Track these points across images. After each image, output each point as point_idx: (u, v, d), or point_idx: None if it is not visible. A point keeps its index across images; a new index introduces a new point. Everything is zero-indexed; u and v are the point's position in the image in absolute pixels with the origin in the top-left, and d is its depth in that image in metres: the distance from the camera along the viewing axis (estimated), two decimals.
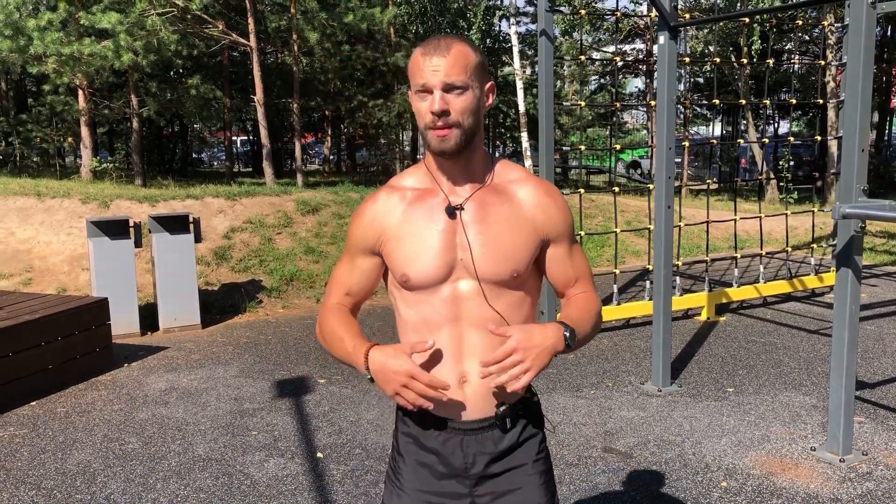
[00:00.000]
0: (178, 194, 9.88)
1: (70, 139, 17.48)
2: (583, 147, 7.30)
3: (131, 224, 7.08)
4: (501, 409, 1.79)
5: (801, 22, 13.58)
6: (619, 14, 6.43)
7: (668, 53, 5.06)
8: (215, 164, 33.62)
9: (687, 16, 6.87)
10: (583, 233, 6.98)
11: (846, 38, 4.11)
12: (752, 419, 4.76)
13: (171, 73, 16.34)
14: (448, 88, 1.66)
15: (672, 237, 5.45)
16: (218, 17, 13.23)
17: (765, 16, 12.65)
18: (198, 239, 7.34)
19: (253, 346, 6.64)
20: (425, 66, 1.66)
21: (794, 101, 7.49)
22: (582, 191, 7.49)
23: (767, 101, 6.95)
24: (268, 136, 13.36)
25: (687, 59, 7.39)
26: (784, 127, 29.25)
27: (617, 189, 7.47)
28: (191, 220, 7.30)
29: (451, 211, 1.76)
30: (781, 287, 7.93)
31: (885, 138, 22.84)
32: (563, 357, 6.16)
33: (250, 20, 12.63)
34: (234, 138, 27.73)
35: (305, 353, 6.41)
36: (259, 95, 12.75)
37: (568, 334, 1.69)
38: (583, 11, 6.87)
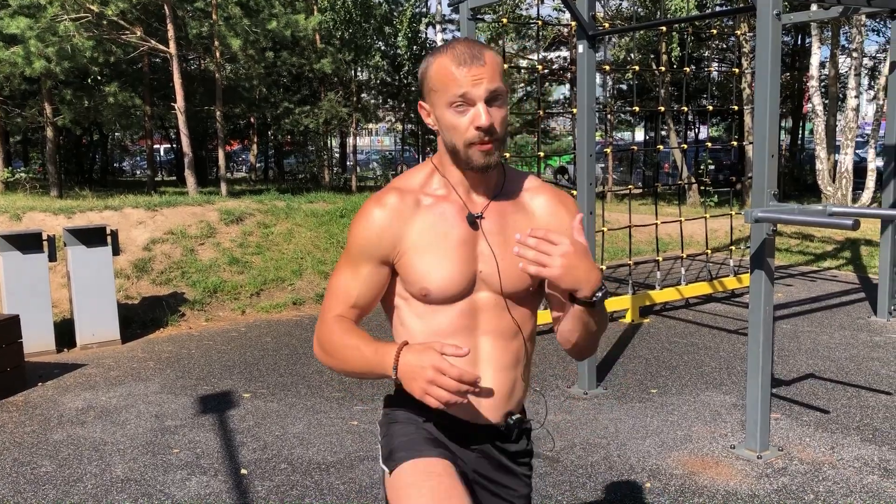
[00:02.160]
0: (96, 205, 9.56)
1: None
2: (507, 154, 7.36)
3: (45, 237, 6.81)
4: (513, 418, 1.77)
5: (716, 31, 14.03)
6: (540, 22, 6.51)
7: (588, 61, 5.14)
8: (138, 172, 32.73)
9: (607, 24, 6.99)
10: None
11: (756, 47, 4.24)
12: (675, 419, 4.86)
13: (88, 80, 15.83)
14: (491, 99, 1.57)
15: (595, 242, 5.53)
16: (136, 23, 12.88)
17: (683, 24, 13.03)
18: (116, 251, 7.11)
19: (175, 361, 6.46)
20: (463, 75, 1.55)
21: (711, 108, 7.71)
22: None
23: (686, 108, 7.15)
24: (189, 145, 13.05)
25: (607, 67, 7.53)
26: (704, 132, 30.18)
27: None
28: (108, 231, 7.06)
29: (473, 220, 1.67)
30: (702, 289, 8.15)
31: (799, 143, 23.76)
32: None
33: (170, 26, 12.31)
34: (156, 146, 27.01)
35: (230, 366, 6.26)
36: (179, 103, 12.44)
37: (601, 294, 1.56)
38: (505, 20, 6.91)
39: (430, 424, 1.75)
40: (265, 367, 6.20)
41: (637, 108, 7.29)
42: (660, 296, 7.76)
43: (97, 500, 3.93)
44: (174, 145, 29.31)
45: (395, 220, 1.65)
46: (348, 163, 25.34)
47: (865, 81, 23.00)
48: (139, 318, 7.68)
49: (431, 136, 23.97)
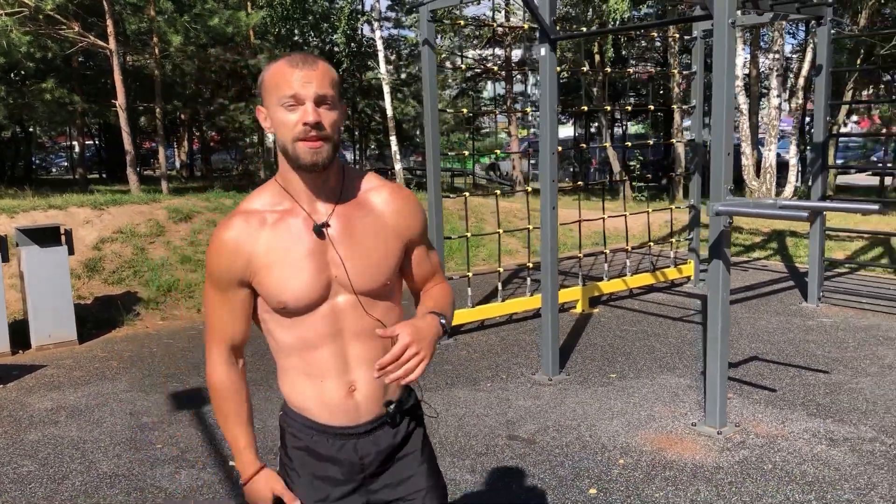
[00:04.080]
0: (39, 204, 9.35)
1: None
2: (466, 152, 7.59)
3: None
4: (391, 407, 1.87)
5: (655, 34, 14.54)
6: (494, 24, 6.74)
7: (549, 64, 5.40)
8: (54, 170, 31.73)
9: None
10: (469, 234, 7.27)
11: (706, 53, 4.56)
12: (637, 401, 5.17)
13: (13, 75, 15.29)
14: (320, 101, 1.67)
15: (557, 236, 5.81)
16: (73, 18, 12.56)
17: (619, 26, 13.48)
18: (71, 251, 7.03)
19: (138, 360, 6.45)
20: (294, 77, 1.65)
21: (652, 107, 8.10)
22: (467, 194, 7.81)
23: (630, 107, 7.52)
24: (131, 142, 12.81)
25: (558, 69, 7.82)
26: (631, 129, 31.09)
27: (499, 192, 7.83)
28: (62, 231, 6.98)
29: (319, 230, 1.76)
30: (646, 279, 8.56)
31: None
32: (458, 353, 6.40)
33: (109, 22, 12.07)
34: (75, 143, 26.21)
35: (195, 364, 6.30)
36: (121, 100, 12.19)
37: (444, 321, 1.79)
38: (462, 21, 7.13)
39: (315, 480, 1.90)
40: None
41: (585, 108, 7.60)
42: (608, 286, 8.12)
43: (88, 496, 3.98)
44: (96, 142, 28.53)
45: (244, 240, 1.75)
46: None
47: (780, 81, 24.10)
48: (93, 318, 7.60)
49: (366, 132, 24.04)
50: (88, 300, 7.89)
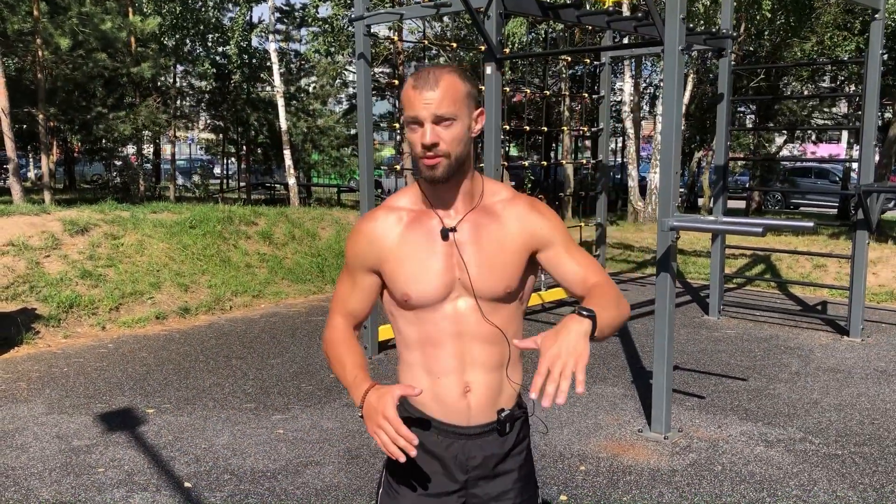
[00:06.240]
0: None
1: None
2: (398, 167, 7.59)
3: None
4: (503, 414, 1.92)
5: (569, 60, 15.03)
6: (426, 42, 6.85)
7: (495, 82, 5.53)
8: None
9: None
10: None
11: (662, 78, 4.82)
12: (580, 410, 5.34)
13: None
14: (438, 121, 1.76)
15: None
16: None
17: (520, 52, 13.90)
18: None
19: (50, 381, 6.04)
20: (416, 99, 1.75)
21: (565, 128, 8.43)
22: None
23: (546, 128, 7.78)
24: (14, 149, 11.96)
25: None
26: (512, 151, 31.95)
27: None
28: None
29: (445, 233, 1.86)
30: (559, 294, 8.84)
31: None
32: (392, 368, 6.37)
33: None
34: None
35: (116, 383, 5.97)
36: (3, 104, 11.37)
37: (585, 312, 1.66)
38: (395, 37, 7.17)
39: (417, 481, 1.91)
40: (156, 383, 5.98)
41: (507, 126, 7.80)
42: None
43: None
44: None
45: (380, 233, 1.89)
46: (163, 172, 24.19)
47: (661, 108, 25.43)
48: None
49: (253, 146, 23.48)
50: None
